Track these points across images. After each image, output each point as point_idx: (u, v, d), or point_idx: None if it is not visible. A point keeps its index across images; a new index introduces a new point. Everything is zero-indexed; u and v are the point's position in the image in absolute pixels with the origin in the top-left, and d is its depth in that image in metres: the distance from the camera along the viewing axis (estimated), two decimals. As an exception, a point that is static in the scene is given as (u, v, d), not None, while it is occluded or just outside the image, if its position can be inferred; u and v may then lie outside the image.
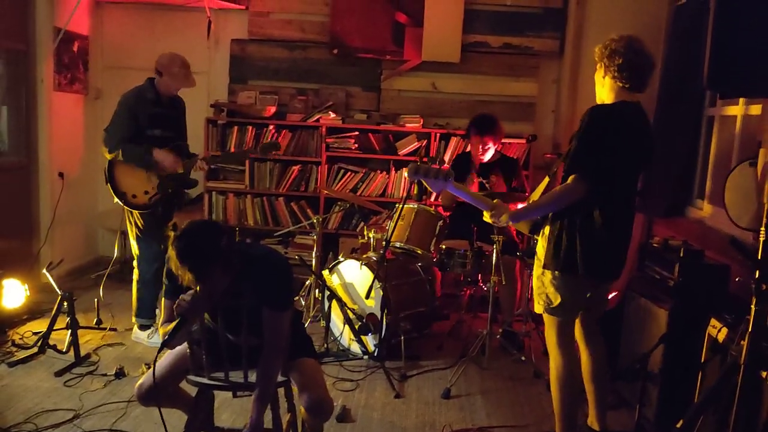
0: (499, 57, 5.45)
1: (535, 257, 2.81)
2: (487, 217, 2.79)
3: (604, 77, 2.66)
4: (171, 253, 2.20)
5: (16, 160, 4.96)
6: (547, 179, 2.83)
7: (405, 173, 2.32)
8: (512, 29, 5.38)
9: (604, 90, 2.69)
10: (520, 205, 2.89)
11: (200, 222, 2.33)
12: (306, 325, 4.16)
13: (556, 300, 2.70)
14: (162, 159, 3.88)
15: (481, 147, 4.34)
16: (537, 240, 2.82)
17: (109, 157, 3.89)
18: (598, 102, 2.72)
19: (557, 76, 5.49)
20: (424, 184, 2.61)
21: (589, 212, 2.60)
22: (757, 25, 1.96)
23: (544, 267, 2.71)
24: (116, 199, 3.93)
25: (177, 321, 2.25)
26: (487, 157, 4.40)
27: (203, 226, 2.32)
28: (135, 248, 4.03)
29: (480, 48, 5.43)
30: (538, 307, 2.79)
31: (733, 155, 3.58)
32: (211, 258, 2.21)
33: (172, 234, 2.22)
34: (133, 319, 4.09)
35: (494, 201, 2.79)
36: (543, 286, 2.74)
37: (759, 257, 1.93)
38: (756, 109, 3.36)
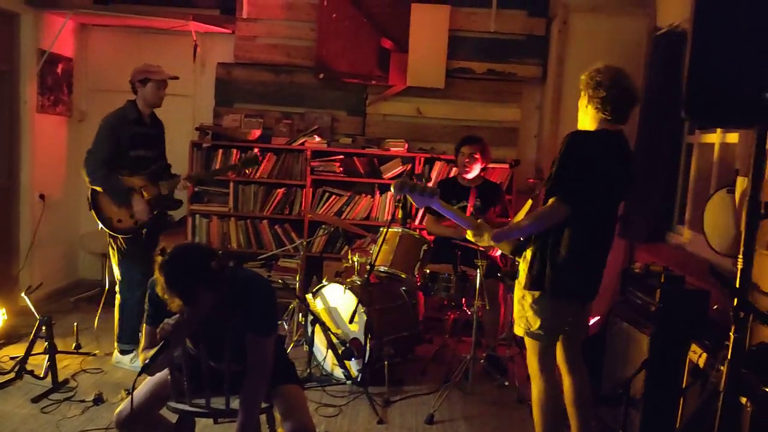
0: (483, 83, 5.52)
1: (517, 280, 2.83)
2: (470, 235, 2.81)
3: (587, 106, 2.71)
4: (158, 277, 2.18)
5: (-3, 182, 4.91)
6: (530, 202, 2.86)
7: (392, 188, 2.34)
8: (496, 56, 5.47)
9: (587, 118, 2.74)
10: None
11: (187, 245, 2.30)
12: (289, 350, 4.14)
13: (536, 324, 2.71)
14: (136, 207, 3.88)
15: (470, 157, 4.37)
16: (519, 262, 2.84)
17: (87, 181, 3.85)
18: (580, 128, 2.77)
19: (540, 101, 5.57)
20: (410, 199, 2.62)
21: (560, 233, 2.63)
22: (734, 56, 2.01)
23: (524, 287, 2.73)
24: (101, 226, 3.90)
25: (160, 345, 2.22)
26: (474, 173, 4.42)
27: (191, 249, 2.30)
28: (117, 273, 3.98)
29: (464, 74, 5.49)
30: (519, 330, 2.81)
31: (712, 182, 3.64)
32: (199, 282, 2.19)
33: (159, 258, 2.20)
34: (115, 344, 4.04)
35: (478, 221, 2.81)
36: (523, 309, 2.76)
37: (737, 285, 1.95)
38: (733, 137, 3.42)
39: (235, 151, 5.36)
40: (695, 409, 2.29)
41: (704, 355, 2.60)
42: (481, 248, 3.14)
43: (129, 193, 3.88)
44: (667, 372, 2.88)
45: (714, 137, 3.67)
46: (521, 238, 2.79)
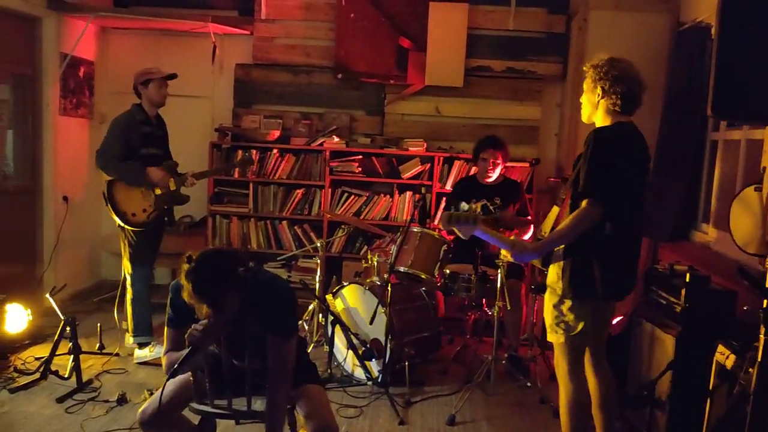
0: (502, 81, 5.48)
1: (548, 286, 2.78)
2: (507, 256, 2.76)
3: (598, 100, 2.68)
4: (185, 284, 2.18)
5: (21, 184, 4.97)
6: (555, 209, 2.81)
7: (439, 222, 2.37)
8: (515, 54, 5.43)
9: (599, 112, 2.71)
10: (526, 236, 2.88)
11: (213, 252, 2.30)
12: (309, 351, 4.14)
13: (579, 326, 2.66)
14: (153, 175, 4.05)
15: (492, 162, 4.35)
16: (548, 270, 2.79)
17: (106, 177, 3.99)
18: (586, 122, 2.76)
19: (560, 99, 5.52)
20: (457, 232, 2.63)
21: (602, 234, 2.59)
22: (761, 51, 1.96)
23: (563, 296, 2.68)
24: (117, 221, 4.01)
25: (188, 350, 2.23)
26: (495, 175, 4.40)
27: (216, 256, 2.29)
28: (128, 268, 4.10)
29: (483, 72, 5.46)
30: (555, 337, 2.74)
31: (738, 180, 3.57)
32: (226, 288, 2.20)
33: (185, 266, 2.19)
34: (131, 340, 4.11)
35: (511, 239, 2.77)
36: (561, 315, 2.70)
37: (767, 285, 1.91)
38: (760, 134, 3.35)
39: (254, 152, 5.37)
40: (723, 413, 2.24)
41: (732, 356, 2.55)
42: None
43: (141, 169, 4.01)
44: (694, 373, 2.83)
45: (740, 134, 3.61)
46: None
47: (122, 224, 4.02)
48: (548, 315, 2.77)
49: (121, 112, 4.10)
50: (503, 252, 2.76)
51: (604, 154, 2.57)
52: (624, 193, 2.59)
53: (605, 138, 2.60)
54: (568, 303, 2.67)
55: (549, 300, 2.76)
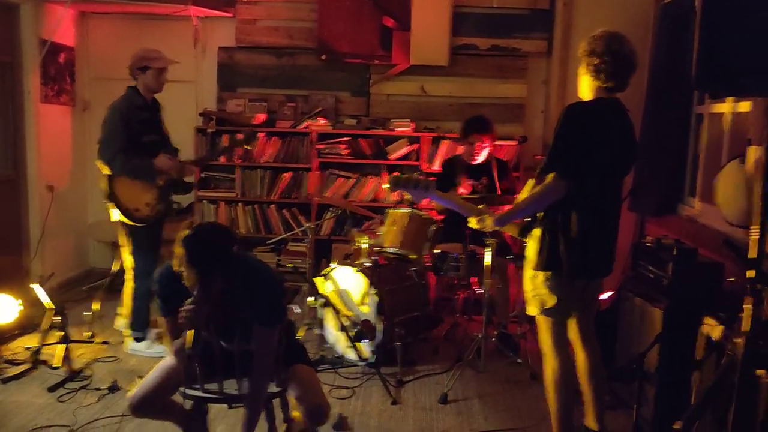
0: (488, 59, 5.45)
1: (525, 259, 2.80)
2: (473, 222, 2.78)
3: (584, 75, 2.69)
4: (179, 250, 2.20)
5: (4, 173, 4.90)
6: (532, 181, 2.82)
7: (386, 185, 2.34)
8: (500, 31, 5.39)
9: (584, 87, 2.71)
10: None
11: (214, 224, 2.41)
12: (302, 334, 4.15)
13: (551, 301, 2.69)
14: (163, 166, 3.89)
15: (479, 146, 4.34)
16: (527, 242, 2.81)
17: (107, 171, 3.80)
18: (580, 96, 2.74)
19: (546, 76, 5.50)
20: (406, 195, 2.61)
21: (568, 211, 2.60)
22: (744, 23, 1.96)
23: (536, 270, 2.71)
24: (121, 217, 3.83)
25: (193, 333, 2.23)
26: (481, 158, 4.39)
27: (217, 228, 2.37)
28: (130, 262, 3.97)
29: (468, 50, 5.43)
30: (532, 309, 2.78)
31: (723, 152, 3.59)
32: (220, 261, 2.23)
33: (185, 232, 2.22)
34: (126, 332, 4.05)
35: (479, 206, 2.79)
36: (536, 288, 2.73)
37: (752, 256, 1.93)
38: (745, 107, 3.37)
39: (240, 136, 5.32)
40: (711, 384, 2.27)
41: (718, 327, 2.58)
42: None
43: (151, 164, 3.84)
44: (681, 345, 2.86)
45: (725, 107, 3.62)
46: (526, 219, 2.76)
47: (125, 221, 3.84)
48: (526, 287, 2.80)
49: (117, 98, 3.89)
50: (470, 220, 2.78)
51: (571, 129, 2.56)
52: (591, 171, 2.57)
53: (574, 114, 2.58)
54: (540, 277, 2.70)
55: (526, 272, 2.79)
